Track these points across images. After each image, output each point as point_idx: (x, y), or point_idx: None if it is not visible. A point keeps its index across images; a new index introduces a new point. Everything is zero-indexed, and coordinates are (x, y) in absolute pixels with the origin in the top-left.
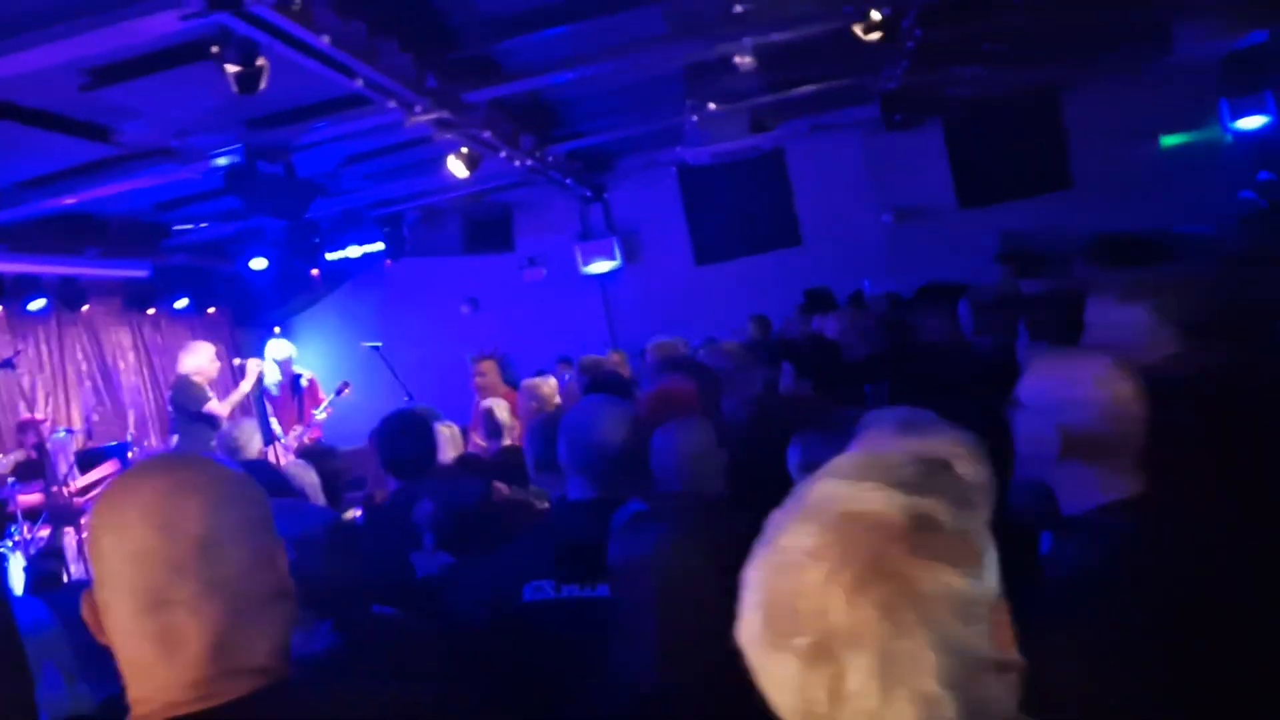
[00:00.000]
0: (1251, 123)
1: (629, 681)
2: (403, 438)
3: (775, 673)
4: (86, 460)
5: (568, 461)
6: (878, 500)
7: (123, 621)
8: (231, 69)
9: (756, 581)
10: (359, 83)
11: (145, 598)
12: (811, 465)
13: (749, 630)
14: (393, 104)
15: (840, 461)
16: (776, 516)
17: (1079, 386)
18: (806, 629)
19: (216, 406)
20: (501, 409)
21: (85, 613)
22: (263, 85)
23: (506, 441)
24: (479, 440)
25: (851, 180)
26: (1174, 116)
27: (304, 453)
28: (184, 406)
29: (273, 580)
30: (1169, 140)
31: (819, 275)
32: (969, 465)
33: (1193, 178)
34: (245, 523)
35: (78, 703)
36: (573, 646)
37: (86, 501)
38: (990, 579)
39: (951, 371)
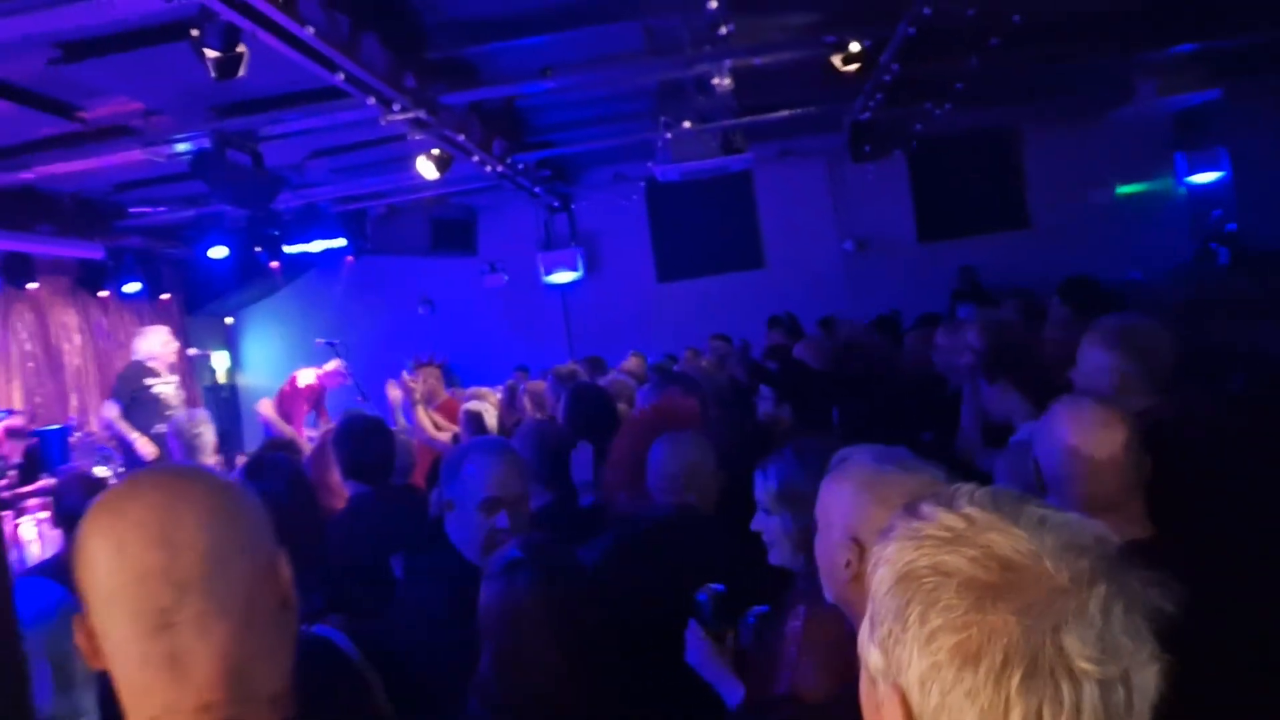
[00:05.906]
0: (1205, 178)
1: None
2: (369, 440)
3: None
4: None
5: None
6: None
7: (124, 646)
8: (211, 54)
9: (988, 622)
10: (340, 76)
11: (148, 620)
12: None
13: (985, 672)
14: (372, 100)
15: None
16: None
17: (1099, 436)
18: (1099, 660)
19: None
20: (490, 414)
21: (79, 638)
22: (241, 72)
23: None
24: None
25: (816, 207)
26: (1129, 166)
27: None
28: (127, 386)
29: (278, 591)
30: (1124, 189)
31: (780, 298)
32: None
33: (1144, 227)
34: (247, 533)
35: (71, 715)
36: None
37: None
38: None
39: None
